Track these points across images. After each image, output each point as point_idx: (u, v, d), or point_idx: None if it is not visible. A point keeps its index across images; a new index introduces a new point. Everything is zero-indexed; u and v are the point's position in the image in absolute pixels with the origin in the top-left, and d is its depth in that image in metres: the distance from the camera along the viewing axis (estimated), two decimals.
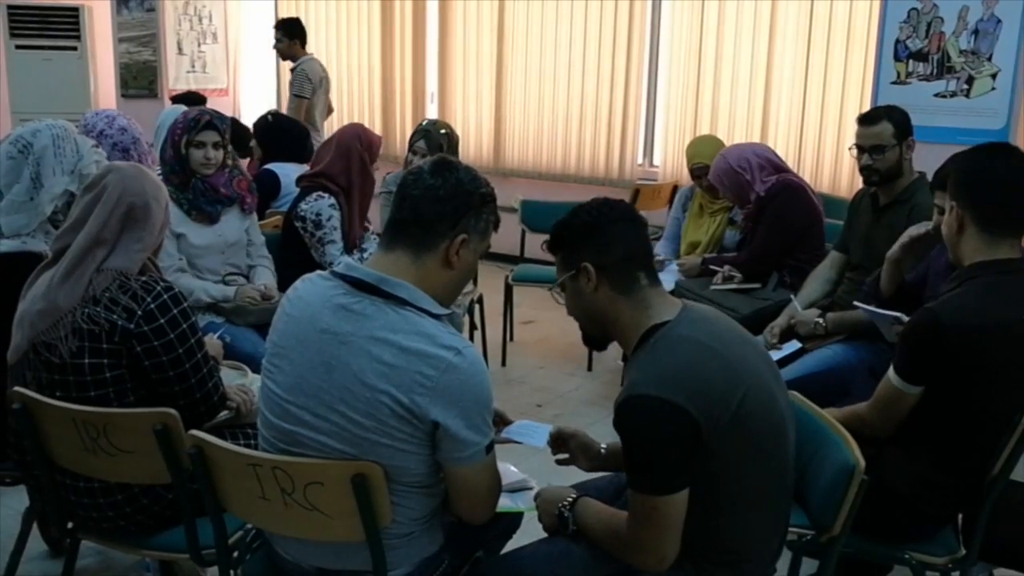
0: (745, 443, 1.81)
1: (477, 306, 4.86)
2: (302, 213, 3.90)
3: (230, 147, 3.64)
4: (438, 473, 1.92)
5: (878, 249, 3.41)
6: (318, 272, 1.97)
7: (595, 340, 2.07)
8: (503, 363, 5.14)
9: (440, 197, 1.88)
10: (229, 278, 3.64)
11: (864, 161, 3.38)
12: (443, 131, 4.39)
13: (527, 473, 2.35)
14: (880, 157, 3.33)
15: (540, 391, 4.77)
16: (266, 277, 3.74)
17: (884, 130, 3.34)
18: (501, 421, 2.32)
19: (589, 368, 5.07)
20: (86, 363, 2.21)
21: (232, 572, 2.16)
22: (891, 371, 2.31)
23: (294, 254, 3.96)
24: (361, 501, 1.83)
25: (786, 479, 1.93)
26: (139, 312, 2.20)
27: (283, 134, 4.88)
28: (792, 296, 3.73)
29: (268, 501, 1.92)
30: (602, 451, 2.31)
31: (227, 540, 2.13)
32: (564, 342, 5.42)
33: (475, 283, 4.96)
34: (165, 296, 2.24)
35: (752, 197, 4.11)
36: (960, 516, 2.42)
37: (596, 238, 1.93)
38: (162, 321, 2.22)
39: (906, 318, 2.56)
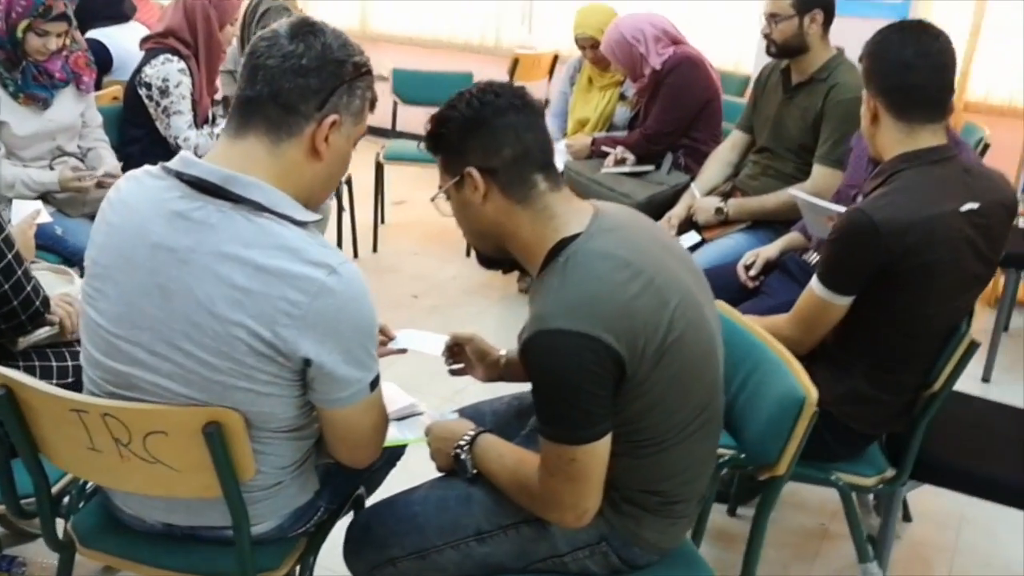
0: (674, 372, 1.53)
1: (345, 187, 4.43)
2: (147, 79, 3.38)
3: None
4: (311, 413, 1.59)
5: (788, 131, 3.17)
6: (146, 168, 1.54)
7: (492, 260, 1.73)
8: (374, 249, 4.76)
9: (303, 68, 1.47)
10: (57, 162, 3.12)
11: (763, 29, 3.15)
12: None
13: (416, 397, 2.05)
14: (775, 27, 3.09)
15: (416, 280, 4.43)
16: (107, 161, 3.23)
17: None
18: (385, 335, 2.00)
19: (468, 254, 4.73)
20: None
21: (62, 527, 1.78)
22: (815, 282, 2.07)
23: (138, 128, 3.48)
24: (216, 454, 1.48)
25: (717, 405, 1.67)
26: None
27: None
28: (691, 181, 3.48)
29: (99, 452, 1.54)
30: (502, 359, 2.02)
31: (50, 488, 1.72)
32: (439, 225, 4.94)
33: None
34: None
35: (646, 71, 3.78)
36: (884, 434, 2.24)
37: (480, 136, 1.57)
38: None
39: None
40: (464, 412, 2.07)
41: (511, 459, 1.66)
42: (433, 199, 1.68)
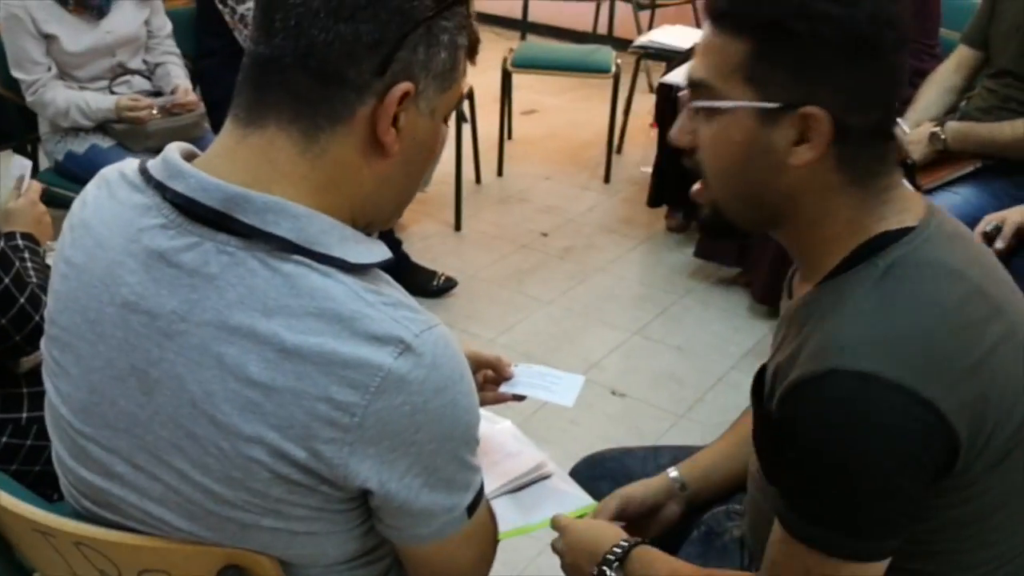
0: None
1: (465, 98, 3.83)
2: None
3: None
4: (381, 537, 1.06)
5: None
6: (122, 169, 0.97)
7: (728, 229, 1.08)
8: (499, 172, 4.16)
9: (349, 5, 0.88)
10: (118, 83, 2.63)
11: None
12: None
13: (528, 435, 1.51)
14: None
15: (546, 213, 3.83)
16: (177, 78, 2.74)
17: None
18: (498, 373, 1.43)
19: (607, 179, 4.10)
20: None
21: None
22: None
23: (216, 38, 2.96)
24: None
25: None
26: None
27: None
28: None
29: None
30: (676, 484, 1.39)
31: None
32: (575, 140, 4.42)
33: None
34: None
35: None
36: None
37: (862, 67, 0.93)
38: None
39: None
40: (604, 463, 1.53)
41: None
42: (697, 109, 1.00)
